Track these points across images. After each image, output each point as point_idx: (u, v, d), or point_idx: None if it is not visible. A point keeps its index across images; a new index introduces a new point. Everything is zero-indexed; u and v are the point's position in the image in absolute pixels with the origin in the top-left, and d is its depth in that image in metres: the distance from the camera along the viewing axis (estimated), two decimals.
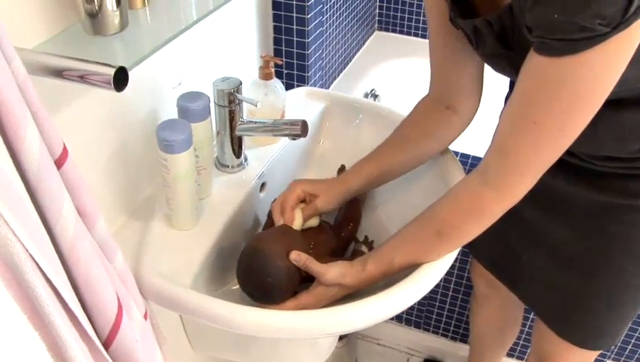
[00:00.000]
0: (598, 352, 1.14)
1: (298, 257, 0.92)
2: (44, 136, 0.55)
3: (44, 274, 0.52)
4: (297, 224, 1.01)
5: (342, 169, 1.23)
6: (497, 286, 1.25)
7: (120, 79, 0.63)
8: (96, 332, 0.62)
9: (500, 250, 1.17)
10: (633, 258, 0.96)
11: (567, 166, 0.96)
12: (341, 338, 1.76)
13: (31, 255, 0.49)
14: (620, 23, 0.61)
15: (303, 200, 1.04)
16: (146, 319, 0.76)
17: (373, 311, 0.83)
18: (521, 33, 0.71)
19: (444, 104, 1.01)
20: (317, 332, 0.84)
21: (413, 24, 2.01)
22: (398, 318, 1.86)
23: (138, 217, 0.98)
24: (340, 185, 1.05)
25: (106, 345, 0.64)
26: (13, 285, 0.49)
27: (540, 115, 0.73)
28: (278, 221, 1.01)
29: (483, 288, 1.38)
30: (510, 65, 0.77)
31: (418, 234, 0.89)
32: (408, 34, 2.04)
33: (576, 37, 0.63)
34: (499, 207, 0.82)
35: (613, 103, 0.81)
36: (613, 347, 1.64)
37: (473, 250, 1.32)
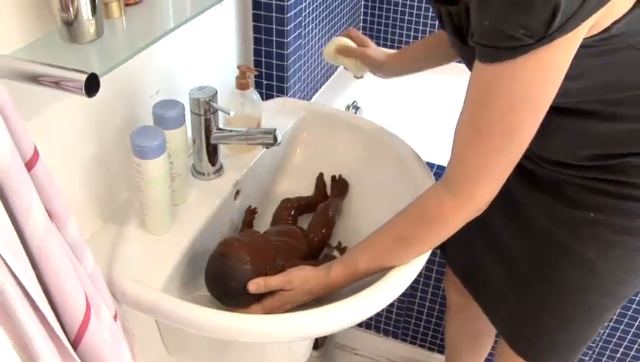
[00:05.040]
0: None
1: (257, 287, 0.92)
2: (15, 138, 0.56)
3: (12, 272, 0.54)
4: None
5: (320, 177, 1.25)
6: (469, 297, 1.25)
7: (91, 85, 0.65)
8: (64, 331, 0.64)
9: (469, 259, 1.19)
10: (587, 275, 0.95)
11: (525, 172, 0.97)
12: (318, 347, 1.77)
13: None
14: (543, 37, 0.64)
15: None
16: (115, 320, 0.77)
17: (339, 316, 0.84)
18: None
19: None
20: (284, 337, 0.86)
21: (396, 38, 2.04)
22: (377, 328, 1.87)
23: (114, 221, 1.00)
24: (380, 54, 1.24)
25: (75, 344, 0.65)
26: None
27: (481, 123, 0.75)
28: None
29: (455, 298, 1.40)
30: (465, 59, 0.79)
31: (382, 239, 0.91)
32: (392, 47, 2.07)
33: (502, 45, 0.66)
34: (459, 215, 0.83)
35: (557, 110, 0.82)
36: (591, 352, 1.65)
37: (447, 258, 1.33)
